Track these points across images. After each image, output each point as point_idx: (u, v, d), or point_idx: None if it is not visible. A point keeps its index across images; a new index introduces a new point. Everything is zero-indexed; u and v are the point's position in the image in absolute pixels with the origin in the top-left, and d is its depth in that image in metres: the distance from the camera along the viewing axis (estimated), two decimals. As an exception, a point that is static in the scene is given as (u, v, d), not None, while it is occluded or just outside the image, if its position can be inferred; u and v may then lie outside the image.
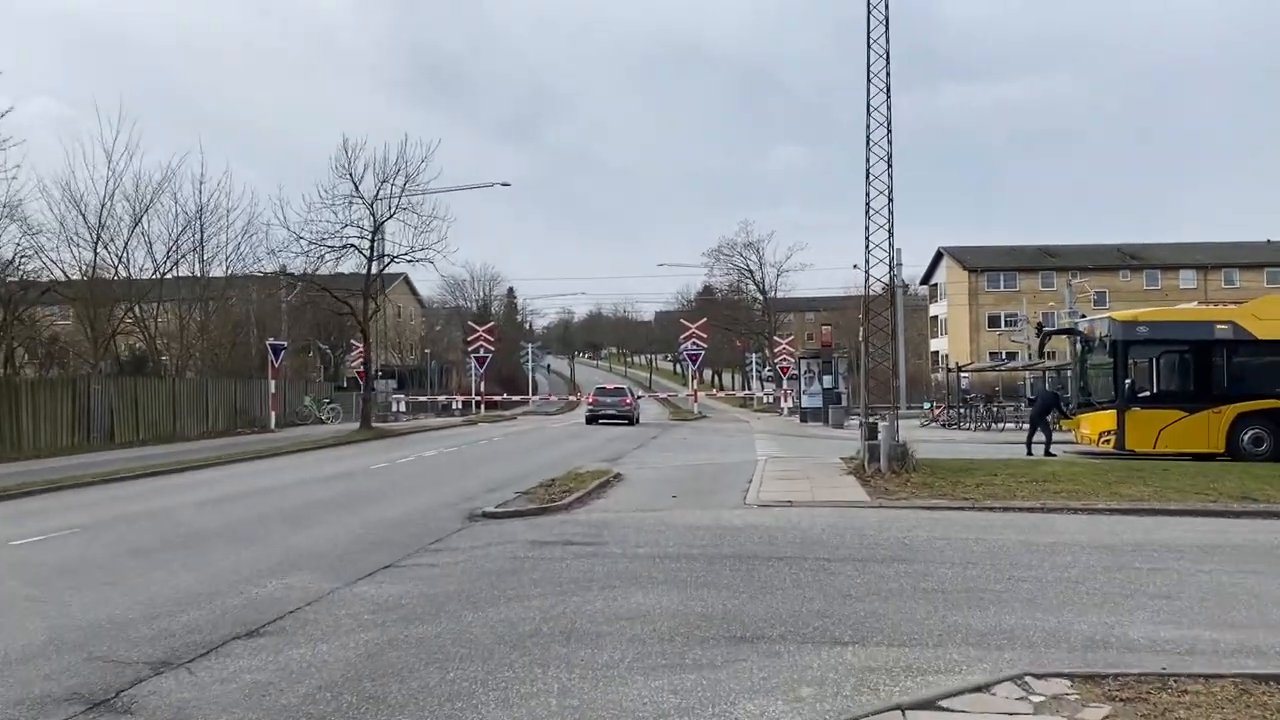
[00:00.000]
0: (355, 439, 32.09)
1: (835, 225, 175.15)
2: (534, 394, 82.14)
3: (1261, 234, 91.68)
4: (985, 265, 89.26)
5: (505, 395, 67.00)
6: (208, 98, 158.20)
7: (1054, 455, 24.11)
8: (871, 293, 17.84)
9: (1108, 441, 23.31)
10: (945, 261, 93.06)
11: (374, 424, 43.21)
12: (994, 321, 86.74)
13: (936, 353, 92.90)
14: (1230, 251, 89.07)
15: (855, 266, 20.51)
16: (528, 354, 73.21)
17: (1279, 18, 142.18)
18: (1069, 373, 30.48)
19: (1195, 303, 34.19)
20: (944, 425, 39.73)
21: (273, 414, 39.27)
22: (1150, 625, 7.29)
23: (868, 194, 17.31)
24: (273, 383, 39.41)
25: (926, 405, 44.06)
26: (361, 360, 52.18)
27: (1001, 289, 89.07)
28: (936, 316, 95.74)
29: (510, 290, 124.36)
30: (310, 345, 62.53)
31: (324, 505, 15.31)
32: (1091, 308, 64.51)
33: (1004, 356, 74.12)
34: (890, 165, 17.55)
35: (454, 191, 47.44)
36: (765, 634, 6.97)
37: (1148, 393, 23.34)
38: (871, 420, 19.02)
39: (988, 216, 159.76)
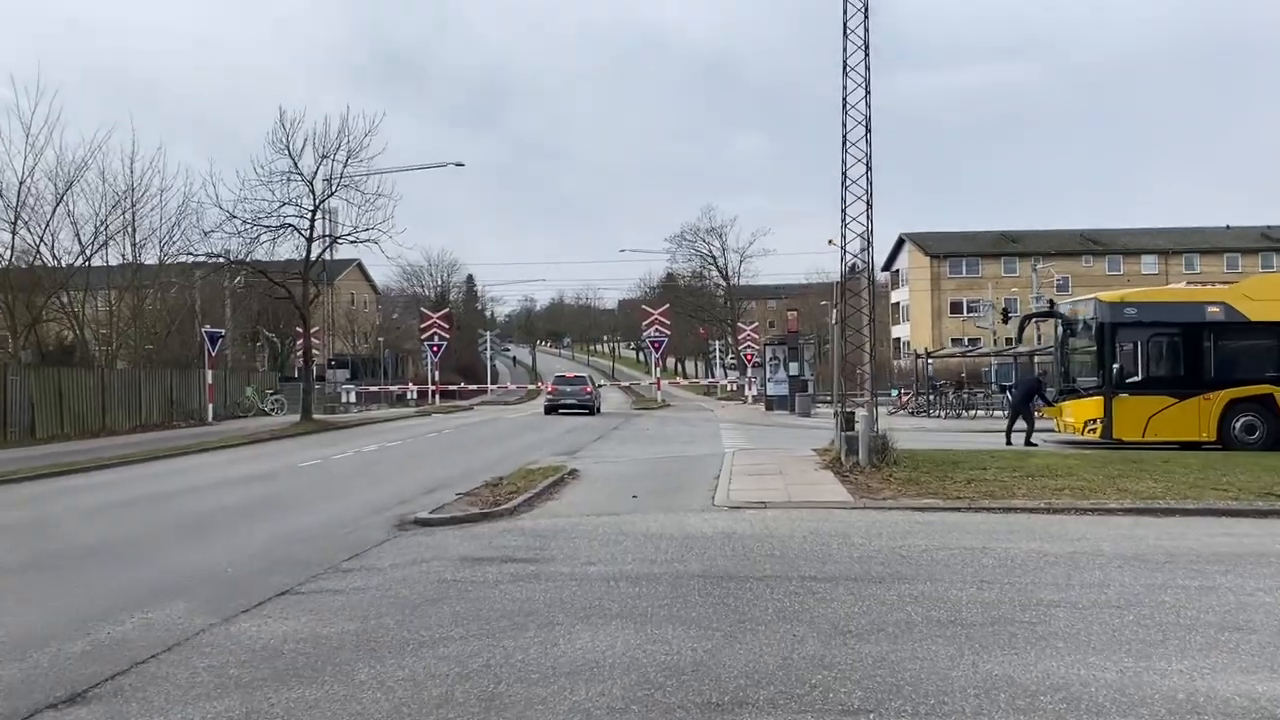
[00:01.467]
0: (293, 432, 30.07)
1: (798, 214, 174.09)
2: (494, 383, 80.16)
3: (1221, 219, 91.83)
4: (947, 251, 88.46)
5: (462, 385, 64.91)
6: (144, 76, 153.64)
7: (1035, 445, 22.74)
8: (847, 269, 16.49)
9: (1093, 430, 21.97)
10: (907, 247, 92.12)
11: (319, 416, 41.17)
12: (956, 308, 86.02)
13: (898, 339, 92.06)
14: (1191, 237, 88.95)
15: (830, 242, 19.02)
16: (486, 342, 71.00)
17: (1233, 3, 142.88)
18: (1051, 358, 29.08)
19: (1185, 282, 32.96)
20: (912, 413, 38.44)
21: (209, 406, 37.12)
22: (1237, 674, 5.70)
23: (844, 160, 15.63)
24: (209, 373, 37.25)
25: (894, 393, 42.74)
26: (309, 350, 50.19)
27: (964, 275, 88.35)
28: (898, 303, 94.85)
29: (470, 278, 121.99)
30: (257, 333, 60.22)
31: (234, 512, 13.44)
32: (1055, 293, 63.76)
33: (966, 342, 73.28)
34: (869, 131, 15.86)
35: (407, 172, 45.33)
36: (750, 698, 5.29)
37: (1136, 378, 21.97)
38: (848, 410, 17.45)
39: (947, 204, 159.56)
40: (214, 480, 17.28)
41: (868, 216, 16.77)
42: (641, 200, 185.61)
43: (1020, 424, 23.92)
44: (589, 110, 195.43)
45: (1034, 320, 28.09)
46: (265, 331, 59.08)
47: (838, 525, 11.08)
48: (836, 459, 16.99)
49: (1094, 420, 22.01)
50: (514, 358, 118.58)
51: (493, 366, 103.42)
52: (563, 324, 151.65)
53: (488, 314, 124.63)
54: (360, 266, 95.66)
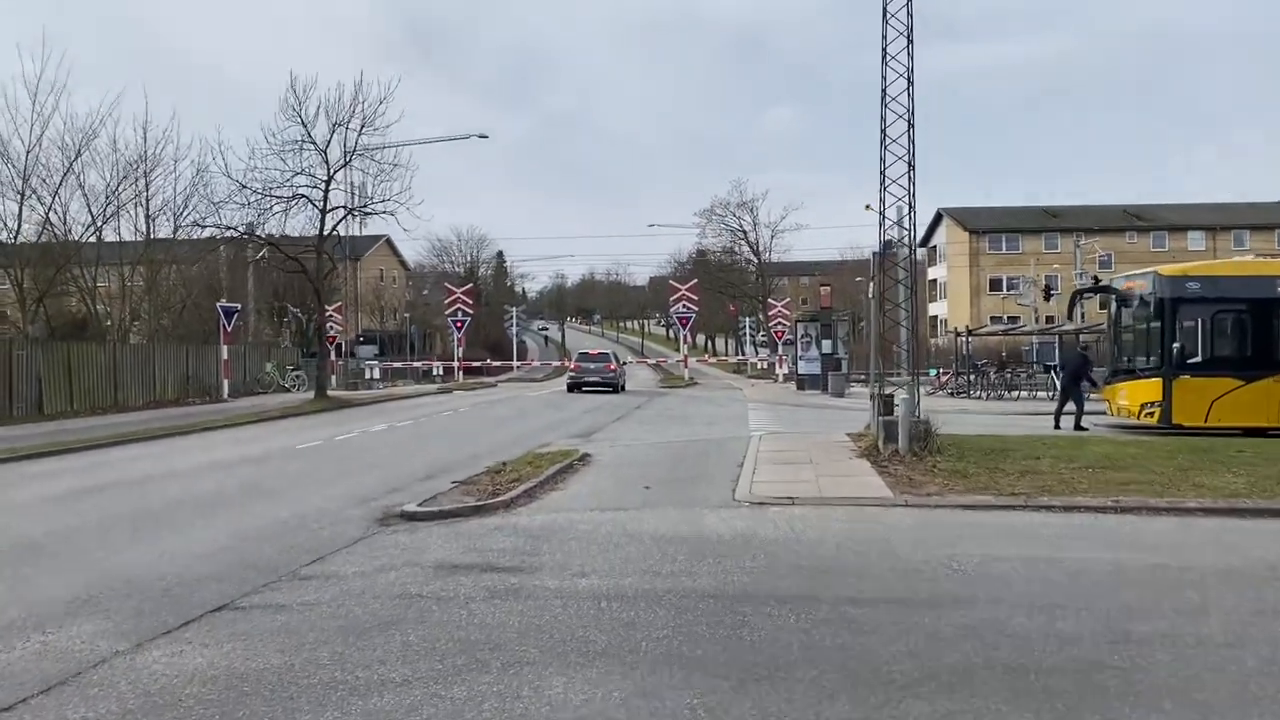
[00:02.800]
0: (305, 410, 28.96)
1: (831, 189, 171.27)
2: (522, 360, 79.07)
3: (1272, 194, 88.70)
4: (986, 227, 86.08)
5: (488, 361, 63.76)
6: (163, 44, 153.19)
7: (1085, 429, 21.15)
8: (887, 238, 15.07)
9: (1151, 414, 20.32)
10: (945, 223, 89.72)
11: (337, 393, 40.19)
12: (995, 285, 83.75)
13: (935, 317, 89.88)
14: (1241, 212, 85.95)
15: (869, 207, 17.47)
16: (512, 318, 69.79)
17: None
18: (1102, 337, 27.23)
19: (1252, 255, 30.99)
20: (952, 394, 36.73)
21: (225, 382, 36.11)
22: None
23: (883, 116, 14.16)
24: (224, 348, 36.20)
25: (932, 372, 40.98)
26: (330, 325, 49.22)
27: (1003, 251, 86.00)
28: (935, 280, 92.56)
29: (500, 254, 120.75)
30: (282, 308, 59.34)
31: (204, 501, 12.21)
32: (1098, 269, 61.48)
33: (1006, 320, 71.19)
34: (911, 84, 14.33)
35: (438, 148, 44.21)
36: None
37: (1198, 359, 20.27)
38: (886, 392, 15.94)
39: (985, 180, 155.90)
40: (199, 464, 16.10)
41: (909, 179, 15.22)
42: (673, 175, 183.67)
43: (1069, 406, 22.35)
44: (620, 85, 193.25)
45: (1088, 295, 26.23)
46: (290, 307, 58.14)
47: (876, 528, 9.64)
48: (873, 446, 15.51)
49: (1151, 404, 20.37)
50: (546, 336, 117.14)
51: (521, 343, 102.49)
52: (593, 301, 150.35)
53: (518, 290, 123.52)
54: (389, 242, 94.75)
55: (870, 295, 20.86)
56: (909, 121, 15.11)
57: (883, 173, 15.24)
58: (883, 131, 15.33)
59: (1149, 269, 22.10)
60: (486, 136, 46.86)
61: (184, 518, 10.98)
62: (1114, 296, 22.88)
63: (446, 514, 11.03)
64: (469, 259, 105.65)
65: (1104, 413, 23.03)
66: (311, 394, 38.80)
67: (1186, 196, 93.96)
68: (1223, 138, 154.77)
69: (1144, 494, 11.29)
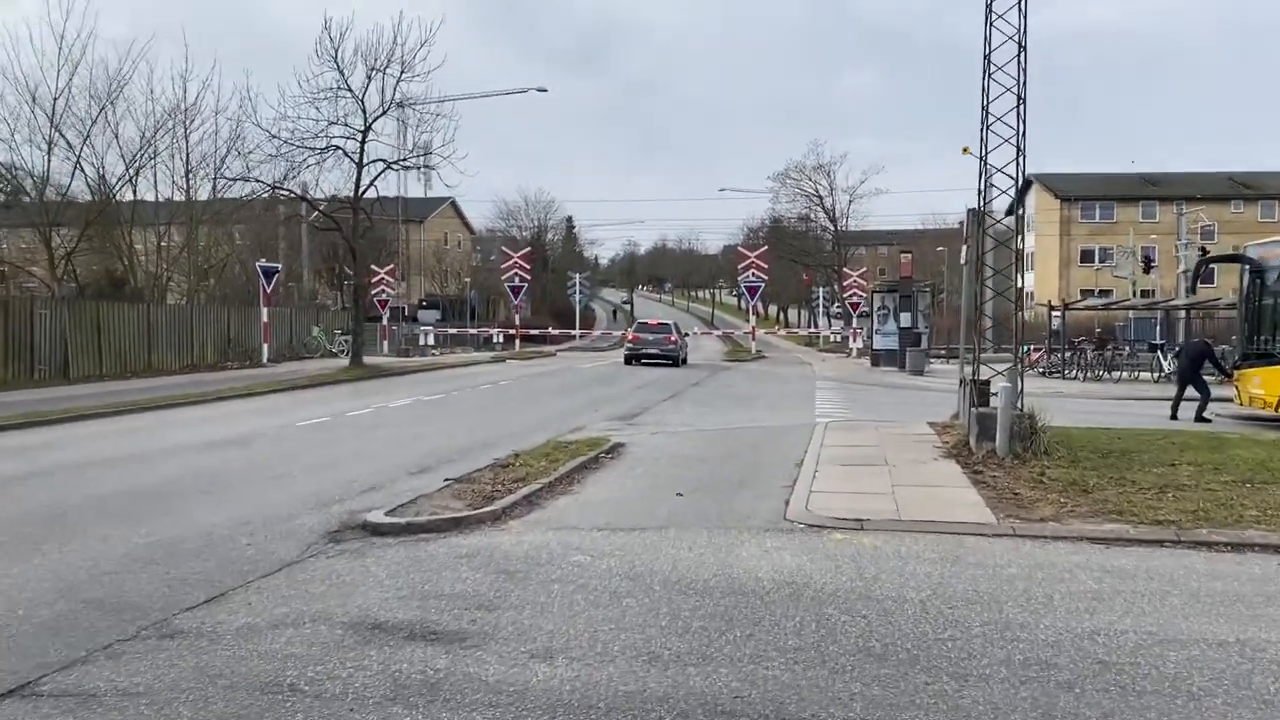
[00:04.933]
0: (336, 379, 26.98)
1: (911, 155, 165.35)
2: (588, 328, 76.88)
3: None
4: (1079, 194, 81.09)
5: (549, 329, 61.58)
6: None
7: (1208, 420, 18.10)
8: (989, 197, 12.42)
9: (1294, 408, 17.21)
10: (1034, 189, 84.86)
11: (384, 358, 38.48)
12: (1087, 256, 79.02)
13: (1022, 290, 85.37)
14: (1361, 180, 79.73)
15: (966, 150, 14.80)
16: (575, 285, 67.49)
17: None
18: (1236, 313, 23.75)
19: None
20: (1044, 373, 33.40)
21: (265, 346, 34.44)
22: None
23: (985, 89, 11.29)
24: (264, 310, 34.49)
25: (1024, 350, 37.56)
26: (382, 288, 47.50)
27: (1097, 220, 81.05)
28: (1021, 250, 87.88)
29: (569, 219, 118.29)
30: (341, 270, 57.87)
31: (135, 499, 10.00)
32: (1200, 240, 56.97)
33: (1098, 294, 66.74)
34: (1023, 49, 11.42)
35: (488, 99, 41.72)
36: None
37: (1356, 341, 17.08)
38: (983, 378, 13.15)
39: (1077, 145, 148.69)
40: (173, 444, 13.98)
41: (1017, 165, 12.31)
42: (749, 142, 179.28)
43: (1190, 393, 19.27)
44: (698, 48, 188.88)
45: (1214, 264, 22.82)
46: (347, 269, 56.57)
47: (978, 575, 6.97)
48: (963, 444, 12.76)
49: (1294, 394, 17.24)
50: (615, 310, 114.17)
51: (590, 310, 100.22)
52: (665, 269, 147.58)
53: (587, 256, 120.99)
54: (454, 205, 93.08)
55: (963, 260, 17.95)
56: (1019, 95, 12.17)
57: (985, 108, 12.36)
58: (984, 109, 12.41)
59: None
60: (546, 90, 44.38)
61: (88, 523, 8.77)
62: (1247, 266, 19.61)
63: (416, 528, 8.66)
64: (536, 224, 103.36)
65: (1229, 400, 19.90)
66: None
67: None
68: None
69: (1338, 526, 8.43)
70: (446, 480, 10.79)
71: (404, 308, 74.12)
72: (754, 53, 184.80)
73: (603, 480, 11.10)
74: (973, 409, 12.63)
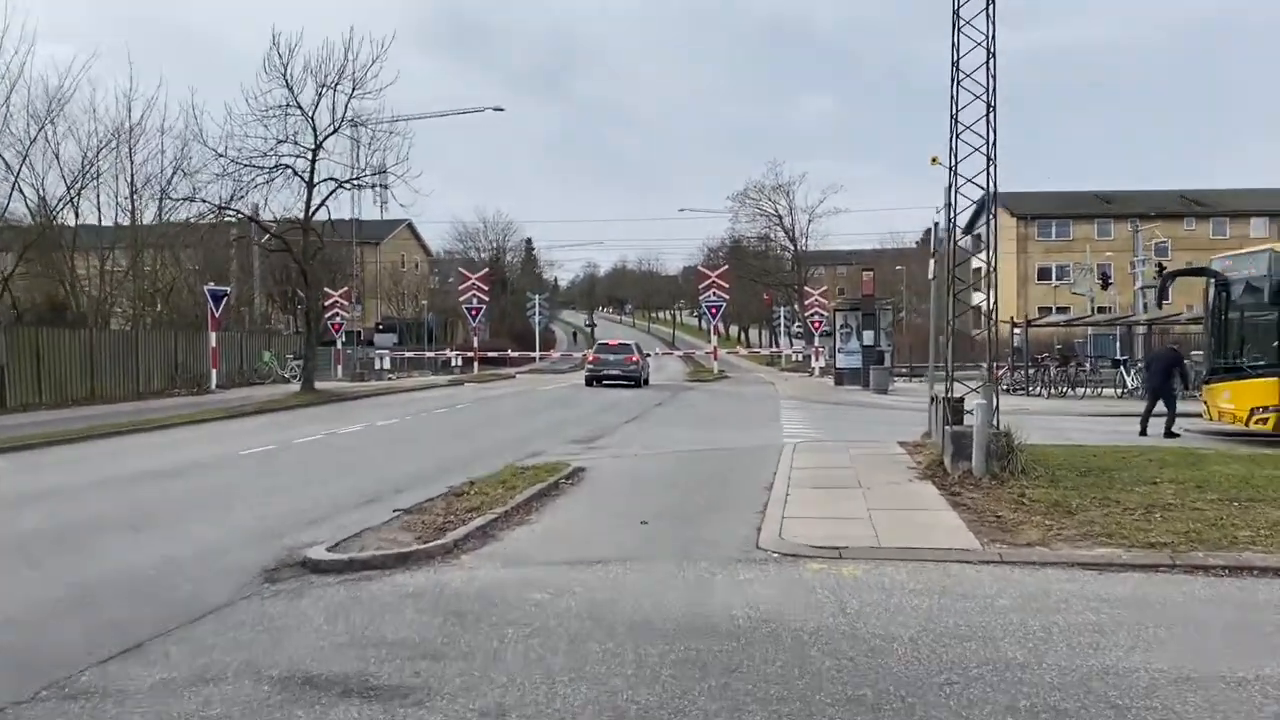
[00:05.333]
0: (285, 405, 26.11)
1: (867, 179, 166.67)
2: (551, 350, 76.09)
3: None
4: (1035, 212, 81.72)
5: (508, 351, 60.76)
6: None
7: (1177, 435, 17.85)
8: (958, 208, 12.03)
9: (1263, 420, 16.99)
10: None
11: (337, 384, 37.56)
12: (1044, 274, 79.66)
13: (978, 308, 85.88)
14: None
15: (935, 160, 14.36)
16: (534, 306, 66.80)
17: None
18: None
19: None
20: (1008, 390, 33.22)
21: (213, 372, 33.38)
22: None
23: (954, 96, 10.88)
24: (213, 335, 33.45)
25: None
26: (336, 311, 46.58)
27: (1053, 238, 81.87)
28: (979, 269, 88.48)
29: (528, 241, 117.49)
30: (293, 293, 56.71)
31: (59, 537, 9.23)
32: (1154, 257, 57.54)
33: (1055, 310, 67.15)
34: (992, 55, 11.05)
35: (442, 118, 41.11)
36: None
37: (1324, 355, 16.89)
38: (956, 396, 12.71)
39: (1029, 166, 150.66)
40: (105, 476, 13.14)
41: (989, 175, 11.92)
42: (707, 164, 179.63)
43: (1159, 408, 19.03)
44: (654, 73, 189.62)
45: (1178, 277, 22.63)
46: (300, 291, 55.48)
47: (968, 608, 6.45)
48: (937, 463, 12.30)
49: (1264, 408, 17.02)
50: (575, 333, 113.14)
51: (550, 333, 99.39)
52: (625, 291, 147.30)
53: (547, 278, 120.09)
54: (411, 227, 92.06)
55: (931, 275, 17.61)
56: (988, 103, 11.80)
57: (954, 115, 11.99)
58: (954, 118, 12.04)
59: (1262, 246, 18.68)
60: (502, 109, 44.29)
61: (8, 564, 8.02)
62: (1213, 279, 19.44)
63: (359, 565, 8.00)
64: (495, 245, 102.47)
65: (1198, 415, 19.70)
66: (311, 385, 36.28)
67: (1247, 182, 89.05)
68: (1267, 124, 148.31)
69: (1336, 546, 8.02)
70: (395, 511, 10.13)
71: (360, 331, 73.06)
72: (710, 77, 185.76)
73: (562, 508, 10.49)
74: (946, 427, 12.18)
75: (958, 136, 12.04)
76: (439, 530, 9.23)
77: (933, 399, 14.54)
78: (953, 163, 12.20)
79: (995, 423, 11.75)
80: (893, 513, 9.51)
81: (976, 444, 11.35)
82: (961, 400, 12.56)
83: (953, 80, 12.09)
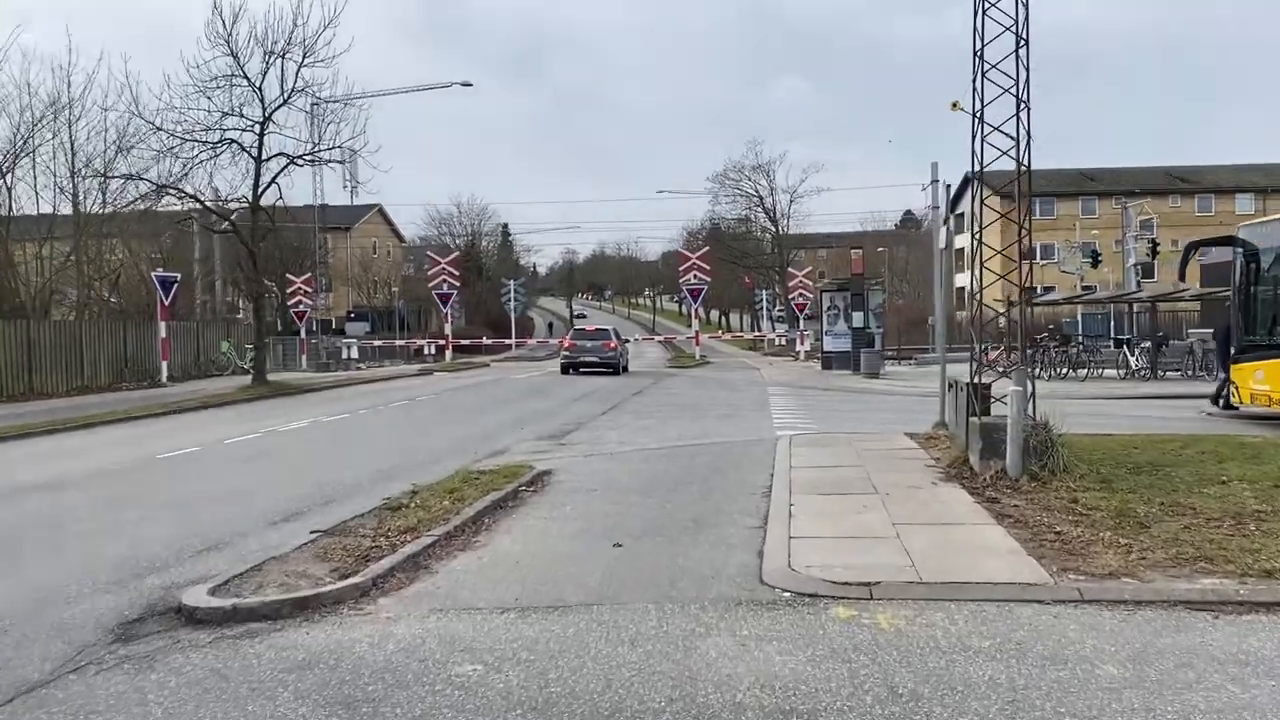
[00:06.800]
0: (235, 398, 24.09)
1: (845, 163, 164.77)
2: (528, 337, 74.07)
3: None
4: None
5: (483, 339, 58.70)
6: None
7: (1235, 408, 16.49)
8: (985, 160, 10.46)
9: (1306, 403, 15.37)
10: (973, 188, 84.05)
11: (296, 374, 35.56)
12: (1029, 252, 78.31)
13: (962, 289, 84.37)
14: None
15: (956, 105, 12.42)
16: (509, 292, 64.72)
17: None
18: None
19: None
20: (1005, 372, 31.55)
21: (164, 364, 31.29)
22: None
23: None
24: (162, 325, 31.33)
25: (983, 348, 35.74)
26: (299, 299, 44.52)
27: (1038, 216, 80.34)
28: (962, 249, 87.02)
29: (504, 227, 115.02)
30: (249, 280, 54.42)
31: None
32: (1144, 234, 56.15)
33: (1040, 289, 65.72)
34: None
35: (407, 94, 39.02)
36: None
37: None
38: (983, 380, 10.95)
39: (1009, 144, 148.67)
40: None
41: (1019, 101, 10.11)
42: (682, 148, 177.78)
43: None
44: (631, 60, 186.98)
45: (1203, 248, 20.94)
46: (265, 280, 53.20)
47: (1064, 683, 4.63)
48: (961, 461, 10.53)
49: (1306, 390, 15.40)
50: (550, 324, 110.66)
51: (528, 320, 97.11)
52: (605, 276, 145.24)
53: (525, 264, 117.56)
54: (382, 211, 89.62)
55: (940, 244, 15.81)
56: (1017, 35, 10.01)
57: (978, 98, 10.17)
58: (978, 54, 10.23)
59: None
60: (470, 84, 42.36)
61: None
62: (1240, 249, 17.75)
63: (245, 614, 6.13)
64: (470, 231, 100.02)
65: (1204, 397, 18.17)
66: (279, 375, 34.28)
67: (1231, 158, 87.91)
68: (1266, 97, 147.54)
69: None
70: (313, 532, 8.25)
71: (331, 320, 70.77)
72: (686, 61, 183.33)
73: (519, 525, 8.62)
74: (972, 419, 10.40)
75: (983, 75, 10.22)
76: (361, 559, 7.38)
77: (950, 385, 12.78)
78: (977, 107, 10.40)
79: (1032, 414, 9.98)
80: (925, 529, 7.70)
81: (1011, 438, 9.57)
82: (989, 387, 10.80)
83: (976, 9, 10.27)
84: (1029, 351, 30.75)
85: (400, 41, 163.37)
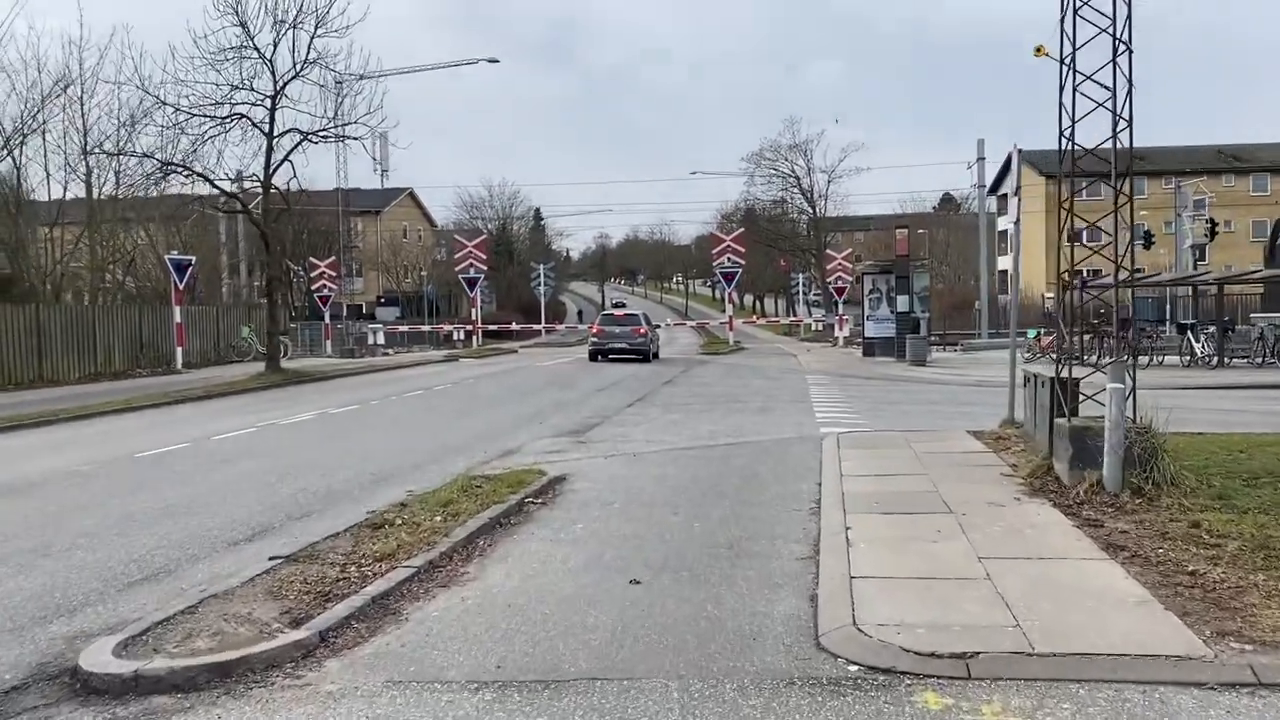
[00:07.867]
0: (246, 387, 22.88)
1: (883, 143, 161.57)
2: (561, 322, 72.81)
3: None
4: (1066, 170, 77.75)
5: (512, 324, 57.40)
6: None
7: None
8: (1075, 115, 9.07)
9: None
10: (1016, 167, 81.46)
11: (316, 361, 34.43)
12: (1075, 235, 75.79)
13: (1005, 272, 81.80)
14: (1352, 150, 77.05)
15: (1040, 50, 10.59)
16: (539, 276, 63.34)
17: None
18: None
19: None
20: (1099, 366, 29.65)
21: (179, 350, 30.21)
22: None
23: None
24: (176, 310, 30.24)
25: (1031, 334, 33.85)
26: (322, 284, 43.46)
27: (1084, 198, 77.61)
28: (1005, 231, 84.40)
29: (536, 210, 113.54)
30: (279, 265, 53.51)
31: None
32: (1199, 214, 53.74)
33: (1088, 273, 63.51)
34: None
35: (437, 70, 37.67)
36: None
37: None
38: (1070, 378, 9.38)
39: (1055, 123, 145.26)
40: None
41: (1116, 43, 8.52)
42: (718, 134, 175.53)
43: None
44: (666, 42, 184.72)
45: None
46: (290, 263, 52.25)
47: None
48: (1044, 470, 8.96)
49: None
50: (580, 311, 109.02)
51: (560, 304, 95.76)
52: (637, 260, 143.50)
53: (557, 249, 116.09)
54: (413, 195, 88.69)
55: (1014, 218, 14.16)
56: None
57: (1068, 40, 8.56)
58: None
59: None
60: (497, 60, 41.13)
61: None
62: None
63: (149, 685, 4.76)
64: (501, 215, 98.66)
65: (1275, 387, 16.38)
66: (298, 361, 33.22)
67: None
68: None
69: None
70: (273, 559, 6.87)
71: (361, 305, 69.83)
72: (721, 43, 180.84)
73: (518, 551, 7.19)
74: (1059, 420, 8.84)
75: (1076, 11, 8.62)
76: (321, 598, 6.01)
77: (1028, 379, 11.19)
78: (1066, 52, 8.80)
79: (1133, 417, 8.41)
80: (1019, 564, 6.17)
81: (1110, 446, 8.01)
82: (1078, 383, 9.24)
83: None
84: (1089, 338, 28.91)
85: (435, 25, 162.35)
